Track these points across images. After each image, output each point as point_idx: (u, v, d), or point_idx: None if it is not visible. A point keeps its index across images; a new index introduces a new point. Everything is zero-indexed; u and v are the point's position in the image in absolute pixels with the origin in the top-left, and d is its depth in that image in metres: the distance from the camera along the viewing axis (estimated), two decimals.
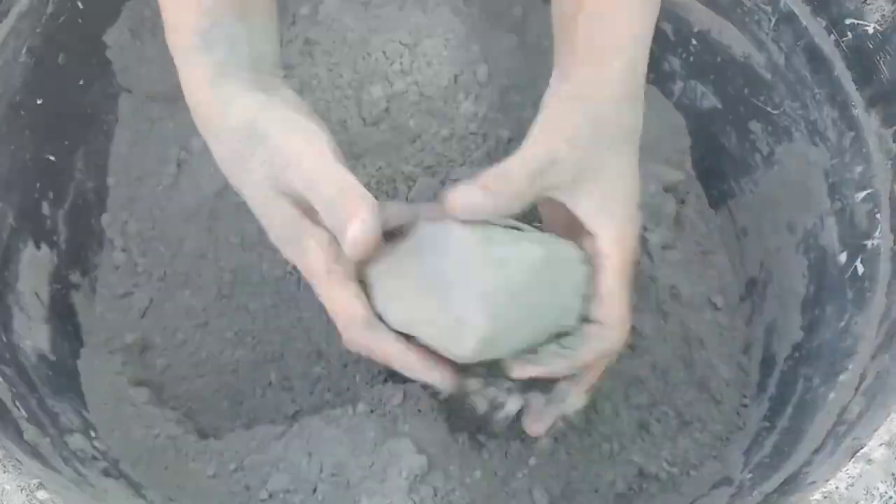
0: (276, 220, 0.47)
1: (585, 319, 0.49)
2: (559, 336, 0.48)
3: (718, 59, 0.69)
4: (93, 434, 0.58)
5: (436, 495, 0.53)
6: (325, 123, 0.51)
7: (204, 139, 0.51)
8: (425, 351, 0.47)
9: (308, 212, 0.46)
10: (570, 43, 0.51)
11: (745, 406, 0.64)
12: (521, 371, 0.48)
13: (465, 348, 0.45)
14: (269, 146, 0.47)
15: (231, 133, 0.48)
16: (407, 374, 0.47)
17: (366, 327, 0.46)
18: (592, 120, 0.49)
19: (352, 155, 0.65)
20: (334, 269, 0.46)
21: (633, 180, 0.50)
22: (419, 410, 0.57)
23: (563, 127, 0.48)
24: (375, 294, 0.47)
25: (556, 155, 0.47)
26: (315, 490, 0.57)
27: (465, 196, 0.46)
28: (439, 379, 0.47)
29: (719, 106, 0.71)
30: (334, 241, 0.46)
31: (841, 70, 0.60)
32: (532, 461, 0.59)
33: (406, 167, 0.64)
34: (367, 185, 0.64)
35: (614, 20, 0.51)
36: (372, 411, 0.58)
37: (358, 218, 0.44)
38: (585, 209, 0.48)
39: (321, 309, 0.63)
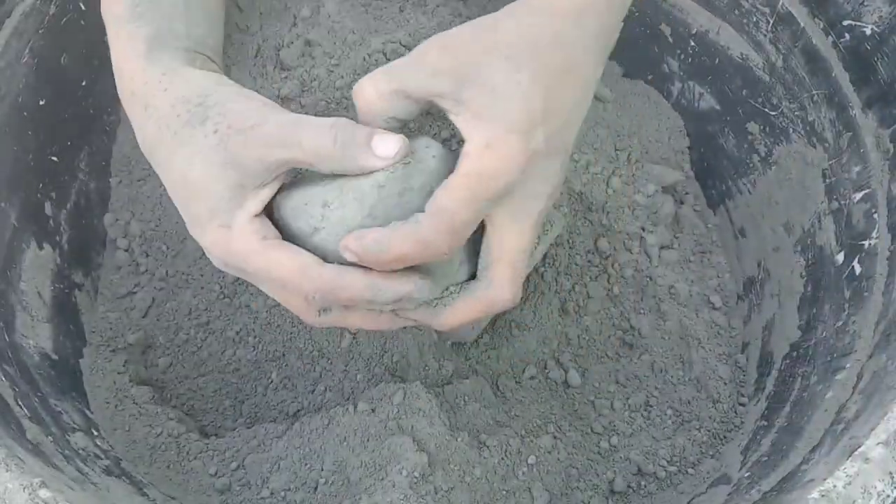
0: (215, 192, 0.45)
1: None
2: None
3: (717, 60, 0.69)
4: (95, 433, 0.58)
5: (436, 493, 0.54)
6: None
7: (125, 110, 0.49)
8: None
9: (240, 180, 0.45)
10: None
11: (743, 405, 0.64)
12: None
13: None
14: (226, 111, 0.46)
15: (175, 102, 0.47)
16: (379, 296, 0.45)
17: (322, 266, 0.45)
18: (478, 26, 0.46)
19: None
20: (269, 236, 0.46)
21: (529, 95, 0.44)
22: (419, 409, 0.57)
23: (446, 34, 0.46)
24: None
25: (430, 60, 0.45)
26: (316, 488, 0.57)
27: (363, 93, 0.46)
28: (416, 287, 0.45)
29: (717, 107, 0.71)
30: (263, 217, 0.46)
31: (839, 71, 0.60)
32: (532, 459, 0.59)
33: None
34: None
35: None
36: (373, 410, 0.58)
37: (376, 132, 0.44)
38: (461, 118, 0.45)
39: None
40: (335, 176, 0.46)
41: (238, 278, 0.63)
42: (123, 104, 0.50)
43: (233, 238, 0.46)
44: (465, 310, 0.48)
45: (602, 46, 0.49)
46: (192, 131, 0.46)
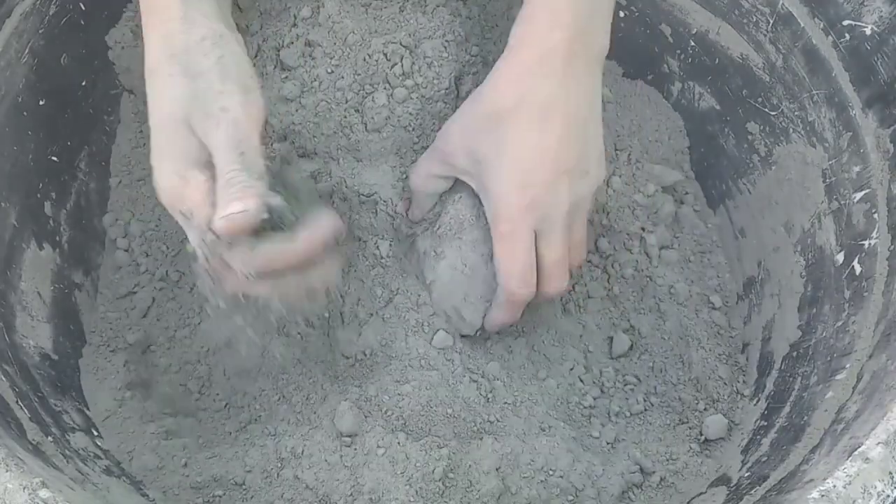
0: (173, 142, 0.50)
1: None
2: None
3: (717, 60, 0.69)
4: (95, 433, 0.58)
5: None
6: (258, 83, 0.53)
7: (143, 24, 0.53)
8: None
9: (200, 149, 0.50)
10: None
11: (743, 405, 0.64)
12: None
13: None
14: (206, 82, 0.49)
15: (184, 47, 0.50)
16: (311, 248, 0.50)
17: (252, 248, 0.49)
18: (475, 104, 0.57)
19: (354, 158, 0.66)
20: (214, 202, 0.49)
21: (523, 154, 0.55)
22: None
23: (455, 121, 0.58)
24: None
25: (447, 156, 0.59)
26: (318, 488, 0.57)
27: (412, 181, 0.63)
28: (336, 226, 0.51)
29: (717, 107, 0.71)
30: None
31: (839, 71, 0.60)
32: (531, 459, 0.59)
33: (407, 169, 0.65)
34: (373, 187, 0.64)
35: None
36: (367, 416, 0.58)
37: (242, 204, 0.47)
38: (481, 185, 0.57)
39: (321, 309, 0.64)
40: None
41: None
42: (143, 18, 0.53)
43: (187, 188, 0.49)
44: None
45: (595, 59, 0.57)
46: (181, 80, 0.50)
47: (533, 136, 0.54)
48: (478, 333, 0.62)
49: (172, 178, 0.50)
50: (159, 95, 0.51)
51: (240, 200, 0.47)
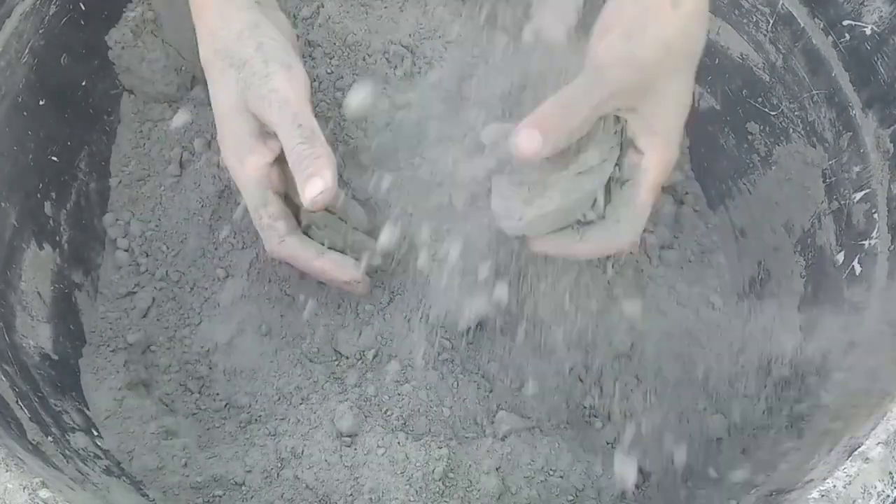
0: (232, 129, 0.55)
1: (606, 215, 0.54)
2: (581, 223, 0.55)
3: (717, 60, 0.69)
4: (94, 433, 0.58)
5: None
6: (299, 58, 0.57)
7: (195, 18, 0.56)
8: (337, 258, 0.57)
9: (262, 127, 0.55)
10: None
11: (743, 405, 0.64)
12: (542, 245, 0.55)
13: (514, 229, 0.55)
14: (251, 70, 0.53)
15: (232, 40, 0.54)
16: (321, 277, 0.58)
17: (282, 241, 0.56)
18: (663, 40, 0.49)
19: (354, 160, 0.66)
20: (267, 187, 0.55)
21: (687, 101, 0.53)
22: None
23: (631, 49, 0.49)
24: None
25: (622, 85, 0.49)
26: (319, 488, 0.57)
27: (527, 144, 0.48)
28: (350, 276, 0.57)
29: (717, 107, 0.71)
30: (273, 168, 0.55)
31: (839, 71, 0.60)
32: (531, 459, 0.59)
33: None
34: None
35: None
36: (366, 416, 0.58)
37: (320, 178, 0.52)
38: (638, 128, 0.52)
39: (323, 310, 0.64)
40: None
41: None
42: (192, 12, 0.57)
43: (242, 168, 0.55)
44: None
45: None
46: (231, 71, 0.54)
47: (688, 88, 0.53)
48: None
49: (231, 161, 0.56)
50: (217, 89, 0.56)
51: (317, 177, 0.52)
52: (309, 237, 0.59)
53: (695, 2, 0.50)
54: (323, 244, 0.59)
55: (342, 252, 0.59)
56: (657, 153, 0.52)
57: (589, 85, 0.49)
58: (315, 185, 0.52)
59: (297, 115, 0.53)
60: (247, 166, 0.55)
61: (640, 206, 0.53)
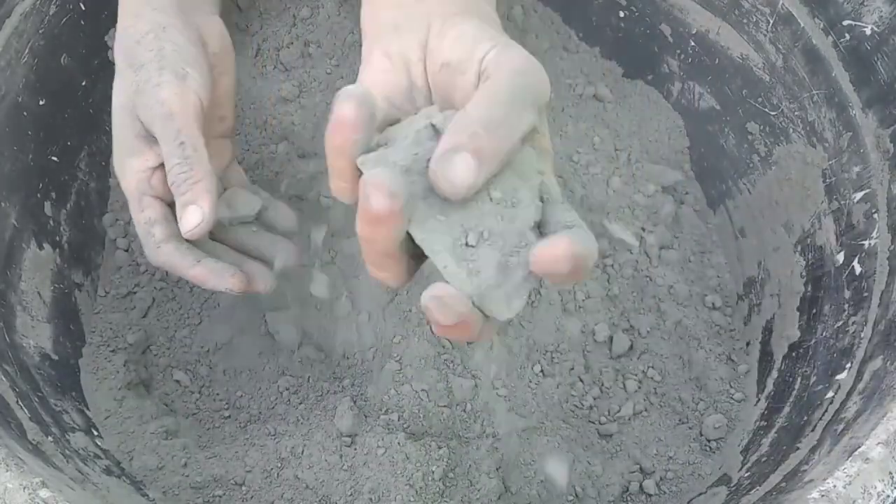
0: (120, 128, 0.54)
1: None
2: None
3: (717, 60, 0.69)
4: (94, 433, 0.58)
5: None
6: (208, 70, 0.55)
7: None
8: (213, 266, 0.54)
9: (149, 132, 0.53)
10: None
11: (743, 405, 0.64)
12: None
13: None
14: (145, 75, 0.52)
15: (136, 38, 0.54)
16: (199, 283, 0.54)
17: (158, 248, 0.53)
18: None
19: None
20: (147, 192, 0.54)
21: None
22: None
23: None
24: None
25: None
26: (320, 488, 0.57)
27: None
28: (227, 285, 0.53)
29: (717, 107, 0.71)
30: (155, 172, 0.53)
31: (839, 71, 0.60)
32: (531, 459, 0.59)
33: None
34: None
35: None
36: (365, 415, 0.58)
37: (198, 209, 0.51)
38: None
39: (324, 309, 0.64)
40: None
41: None
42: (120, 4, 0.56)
43: (125, 176, 0.54)
44: None
45: None
46: (128, 72, 0.53)
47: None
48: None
49: (115, 160, 0.55)
50: (116, 84, 0.54)
51: (194, 205, 0.51)
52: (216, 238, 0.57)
53: None
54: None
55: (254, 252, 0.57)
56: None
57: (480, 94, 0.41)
58: (192, 217, 0.51)
59: (180, 131, 0.51)
60: (126, 168, 0.54)
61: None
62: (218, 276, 0.53)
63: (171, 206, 0.54)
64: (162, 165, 0.53)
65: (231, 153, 0.60)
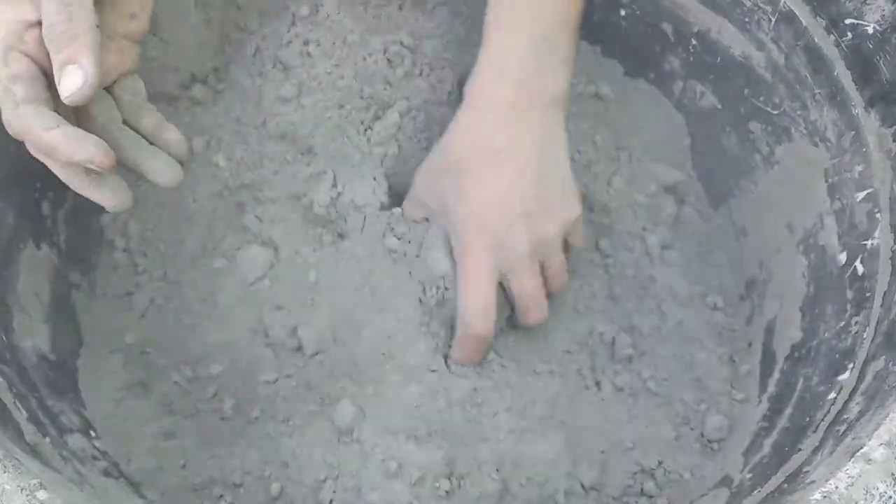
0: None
1: None
2: None
3: (718, 58, 0.69)
4: (92, 434, 0.58)
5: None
6: None
7: None
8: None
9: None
10: None
11: (745, 406, 0.64)
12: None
13: None
14: None
15: None
16: (51, 158, 0.47)
17: (17, 108, 0.46)
18: (448, 158, 0.60)
19: (355, 161, 0.66)
20: (16, 47, 0.46)
21: (480, 199, 0.59)
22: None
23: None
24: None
25: (421, 200, 0.62)
26: (320, 488, 0.57)
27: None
28: (87, 155, 0.46)
29: (719, 106, 0.71)
30: (31, 29, 0.46)
31: (841, 70, 0.60)
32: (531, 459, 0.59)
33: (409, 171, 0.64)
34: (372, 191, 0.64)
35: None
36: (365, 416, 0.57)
37: (78, 68, 0.44)
38: (449, 228, 0.61)
39: (324, 309, 0.63)
40: None
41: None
42: None
43: None
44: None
45: (547, 105, 0.58)
46: None
47: (487, 182, 0.58)
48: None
49: None
50: None
51: (74, 65, 0.44)
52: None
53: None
54: None
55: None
56: (456, 245, 0.60)
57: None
58: (73, 78, 0.44)
59: None
60: None
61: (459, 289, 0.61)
62: (78, 144, 0.46)
63: (46, 75, 0.47)
64: (40, 24, 0.46)
65: (134, 62, 0.53)
